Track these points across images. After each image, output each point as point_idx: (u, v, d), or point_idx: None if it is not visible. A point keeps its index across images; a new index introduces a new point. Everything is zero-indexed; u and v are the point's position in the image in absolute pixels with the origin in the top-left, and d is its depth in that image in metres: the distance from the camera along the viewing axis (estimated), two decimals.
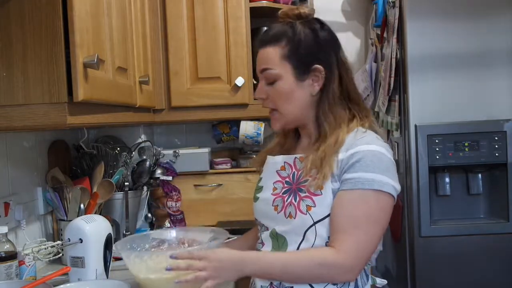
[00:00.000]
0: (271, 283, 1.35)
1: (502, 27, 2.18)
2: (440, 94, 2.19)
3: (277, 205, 1.36)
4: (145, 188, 2.34)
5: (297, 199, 1.31)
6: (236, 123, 2.52)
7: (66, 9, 1.22)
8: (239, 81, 2.31)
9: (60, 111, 1.23)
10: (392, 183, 1.27)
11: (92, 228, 1.51)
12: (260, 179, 1.47)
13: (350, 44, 2.85)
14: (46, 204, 1.93)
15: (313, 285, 1.30)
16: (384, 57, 2.43)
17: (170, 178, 2.33)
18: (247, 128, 2.47)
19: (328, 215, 1.28)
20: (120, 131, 2.43)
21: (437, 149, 2.18)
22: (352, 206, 1.26)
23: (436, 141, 2.18)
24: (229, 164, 2.53)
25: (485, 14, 2.19)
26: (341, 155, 1.29)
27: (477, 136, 2.17)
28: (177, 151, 2.46)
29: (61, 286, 1.39)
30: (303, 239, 1.31)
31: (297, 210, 1.31)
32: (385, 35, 2.43)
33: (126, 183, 2.15)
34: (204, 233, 1.67)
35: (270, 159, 1.46)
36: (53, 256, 1.49)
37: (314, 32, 1.36)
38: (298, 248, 1.31)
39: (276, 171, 1.41)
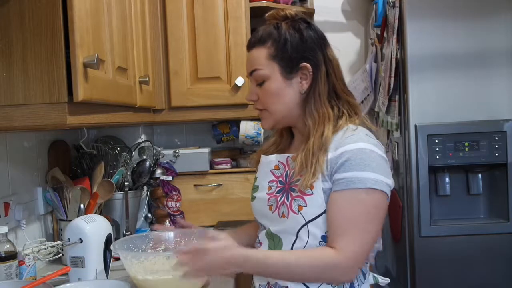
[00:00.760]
0: (268, 283, 1.36)
1: (502, 27, 2.18)
2: (440, 94, 2.20)
3: (272, 205, 1.37)
4: (145, 188, 2.34)
5: (289, 198, 1.32)
6: (236, 123, 2.52)
7: (66, 9, 1.22)
8: (239, 81, 2.31)
9: (60, 111, 1.23)
10: (384, 180, 1.26)
11: (92, 228, 1.51)
12: (256, 178, 1.48)
13: (350, 44, 2.85)
14: (46, 204, 1.93)
15: (308, 284, 1.30)
16: (384, 57, 2.43)
17: (170, 178, 2.33)
18: (247, 128, 2.47)
19: (320, 215, 1.29)
20: (120, 131, 2.43)
21: (437, 149, 2.18)
22: (347, 206, 1.25)
23: (436, 141, 2.18)
24: (229, 164, 2.53)
25: (485, 14, 2.19)
26: (330, 154, 1.29)
27: (477, 136, 2.17)
28: (177, 151, 2.46)
29: (61, 286, 1.40)
30: (296, 238, 1.31)
31: (289, 209, 1.31)
32: (385, 35, 2.43)
33: (126, 183, 2.15)
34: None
35: (264, 158, 1.46)
36: (53, 256, 1.49)
37: (299, 31, 1.37)
38: (292, 248, 1.32)
39: (270, 170, 1.41)
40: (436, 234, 2.19)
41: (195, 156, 2.47)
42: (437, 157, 2.18)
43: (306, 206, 1.29)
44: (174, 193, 2.33)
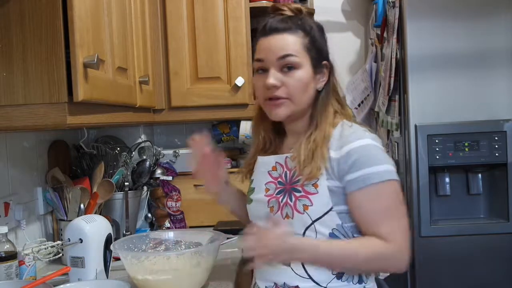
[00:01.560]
0: (275, 284, 1.36)
1: (502, 27, 2.18)
2: (440, 94, 2.20)
3: (273, 206, 1.37)
4: (145, 188, 2.34)
5: (293, 199, 1.32)
6: (236, 123, 2.52)
7: (66, 9, 1.22)
8: (239, 81, 2.31)
9: (60, 111, 1.23)
10: (393, 169, 1.31)
11: (92, 228, 1.51)
12: (252, 180, 1.48)
13: (350, 44, 2.85)
14: (46, 204, 1.93)
15: (318, 282, 1.31)
16: (384, 57, 2.43)
17: (170, 178, 2.33)
18: (247, 128, 2.47)
19: (326, 213, 1.29)
20: (120, 131, 2.43)
21: (437, 149, 2.18)
22: (375, 201, 1.29)
23: (436, 141, 2.18)
24: (229, 164, 2.53)
25: (485, 14, 2.19)
26: (334, 153, 1.30)
27: (477, 136, 2.17)
28: (177, 151, 2.45)
29: (61, 286, 1.39)
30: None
31: (294, 210, 1.31)
32: (385, 35, 2.43)
33: (126, 183, 2.15)
34: (203, 235, 1.68)
35: (260, 159, 1.45)
36: (53, 256, 1.49)
37: (321, 29, 1.40)
38: None
39: (268, 171, 1.41)
40: (436, 234, 2.19)
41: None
42: (437, 157, 2.18)
43: (312, 205, 1.30)
44: (174, 193, 2.33)
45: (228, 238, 2.12)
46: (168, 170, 2.36)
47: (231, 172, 2.49)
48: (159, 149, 2.42)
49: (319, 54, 1.37)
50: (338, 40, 2.71)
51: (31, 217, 1.86)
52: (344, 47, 2.81)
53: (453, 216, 2.25)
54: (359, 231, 1.33)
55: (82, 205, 1.86)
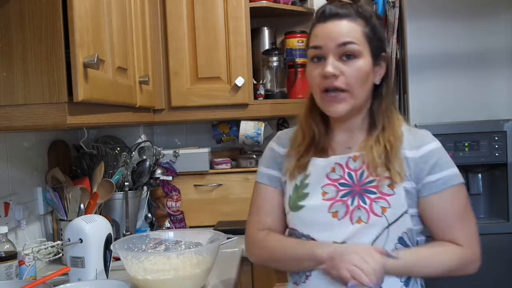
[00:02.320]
0: None
1: (502, 27, 2.18)
2: (440, 94, 2.19)
3: (337, 211, 1.26)
4: (145, 188, 2.34)
5: (367, 201, 1.24)
6: (236, 123, 2.52)
7: (66, 9, 1.22)
8: (239, 81, 2.31)
9: (60, 111, 1.23)
10: None
11: (92, 228, 1.51)
12: (306, 185, 1.32)
13: None
14: (46, 204, 1.93)
15: None
16: None
17: (170, 178, 2.33)
18: (247, 128, 2.47)
19: (401, 216, 1.24)
20: (120, 131, 2.43)
21: None
22: (454, 204, 1.28)
23: None
24: (229, 164, 2.53)
25: (485, 14, 2.19)
26: (411, 153, 1.27)
27: (477, 136, 2.17)
28: (177, 151, 2.45)
29: (61, 286, 1.39)
30: (372, 245, 1.24)
31: (371, 213, 1.23)
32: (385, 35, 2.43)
33: (126, 183, 2.15)
34: (203, 235, 1.68)
35: (319, 161, 1.32)
36: (53, 256, 1.49)
37: (380, 19, 1.34)
38: None
39: (326, 174, 1.30)
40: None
41: (195, 156, 2.47)
42: None
43: (390, 207, 1.24)
44: (174, 193, 2.33)
45: (228, 238, 2.12)
46: (168, 170, 2.36)
47: (230, 173, 2.51)
48: (159, 149, 2.42)
49: (379, 45, 1.29)
50: None
51: (31, 217, 1.86)
52: None
53: None
54: (422, 234, 1.31)
55: (82, 205, 1.86)
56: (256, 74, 2.50)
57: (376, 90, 1.33)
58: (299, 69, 2.54)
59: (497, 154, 2.16)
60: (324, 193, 1.29)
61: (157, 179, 2.31)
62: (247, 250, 1.44)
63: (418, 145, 1.28)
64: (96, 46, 1.36)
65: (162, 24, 2.33)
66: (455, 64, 2.19)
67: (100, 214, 1.94)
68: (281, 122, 2.69)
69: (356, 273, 1.16)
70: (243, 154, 2.61)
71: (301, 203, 1.31)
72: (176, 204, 2.33)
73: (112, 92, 1.52)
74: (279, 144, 1.43)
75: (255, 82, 2.45)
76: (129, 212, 2.15)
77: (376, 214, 1.24)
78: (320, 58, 1.27)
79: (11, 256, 1.50)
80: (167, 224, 2.33)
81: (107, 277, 1.57)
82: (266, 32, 2.58)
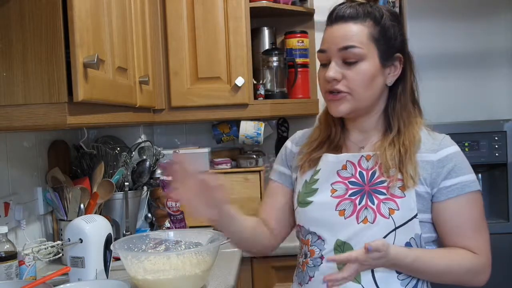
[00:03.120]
0: None
1: (502, 27, 2.18)
2: (440, 94, 2.19)
3: (344, 209, 1.25)
4: (145, 188, 2.34)
5: (375, 201, 1.23)
6: (236, 123, 2.52)
7: (66, 9, 1.22)
8: (239, 81, 2.30)
9: (60, 111, 1.23)
10: None
11: (92, 228, 1.51)
12: (316, 180, 1.31)
13: None
14: (46, 204, 1.93)
15: None
16: None
17: (170, 178, 2.33)
18: (247, 128, 2.47)
19: (410, 220, 1.22)
20: (120, 131, 2.43)
21: None
22: (470, 210, 1.26)
23: None
24: (229, 164, 2.53)
25: (484, 14, 2.19)
26: (428, 156, 1.25)
27: (477, 136, 2.17)
28: (177, 151, 2.45)
29: (61, 286, 1.39)
30: None
31: (378, 213, 1.22)
32: None
33: (126, 183, 2.15)
34: (203, 235, 1.68)
35: (331, 157, 1.31)
36: (53, 256, 1.49)
37: (395, 18, 1.30)
38: None
39: (337, 171, 1.29)
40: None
41: (195, 156, 2.46)
42: None
43: (398, 209, 1.21)
44: None
45: (228, 238, 2.11)
46: None
47: (230, 173, 2.51)
48: (159, 149, 2.42)
49: (389, 46, 1.27)
50: None
51: (31, 217, 1.86)
52: None
53: None
54: (434, 244, 1.29)
55: (82, 205, 1.86)
56: (256, 74, 2.49)
57: (392, 91, 1.32)
58: (299, 69, 2.54)
59: (497, 154, 2.17)
60: (333, 190, 1.28)
61: (157, 179, 2.31)
62: None
63: (436, 148, 1.27)
64: (96, 46, 1.36)
65: (162, 24, 2.33)
66: (455, 64, 2.19)
67: (100, 214, 1.94)
68: (281, 122, 2.69)
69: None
70: (243, 154, 2.61)
71: (309, 198, 1.30)
72: (176, 204, 2.33)
73: (112, 92, 1.52)
74: (294, 142, 1.44)
75: (255, 82, 2.45)
76: (129, 212, 2.15)
77: (383, 215, 1.22)
78: (327, 62, 1.28)
79: (11, 256, 1.50)
80: (167, 224, 2.33)
81: (107, 277, 1.57)
82: (266, 32, 2.58)
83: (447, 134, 1.35)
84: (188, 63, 2.33)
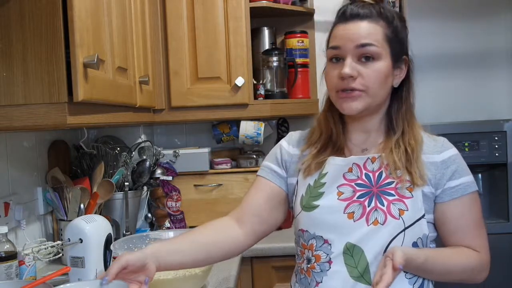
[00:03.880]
0: None
1: (502, 27, 2.18)
2: (440, 94, 2.20)
3: (353, 212, 1.24)
4: (145, 188, 2.34)
5: (385, 203, 1.23)
6: (236, 123, 2.52)
7: (66, 9, 1.22)
8: (239, 81, 2.31)
9: (60, 111, 1.23)
10: None
11: (92, 228, 1.51)
12: (322, 184, 1.29)
13: None
14: (46, 204, 1.93)
15: None
16: None
17: (170, 178, 2.33)
18: (247, 128, 2.47)
19: (418, 220, 1.23)
20: (120, 131, 2.43)
21: None
22: (472, 209, 1.29)
23: None
24: (229, 164, 2.53)
25: (484, 14, 2.19)
26: (432, 158, 1.27)
27: (477, 136, 2.17)
28: (177, 151, 2.45)
29: (61, 286, 1.39)
30: (386, 249, 1.21)
31: (388, 214, 1.22)
32: None
33: (126, 183, 2.15)
34: None
35: (338, 160, 1.30)
36: (53, 256, 1.49)
37: (403, 21, 1.32)
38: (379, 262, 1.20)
39: (343, 174, 1.28)
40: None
41: (195, 156, 2.46)
42: None
43: (407, 210, 1.22)
44: (174, 193, 2.33)
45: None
46: (168, 170, 2.36)
47: (230, 173, 2.51)
48: (159, 149, 2.42)
49: (400, 47, 1.28)
50: None
51: (31, 217, 1.86)
52: None
53: None
54: (434, 242, 1.31)
55: (82, 205, 1.86)
56: (256, 74, 2.50)
57: (395, 93, 1.32)
58: (299, 69, 2.54)
59: (497, 154, 2.17)
60: (340, 193, 1.26)
61: (157, 179, 2.31)
62: None
63: (439, 150, 1.28)
64: (96, 46, 1.36)
65: (162, 24, 2.33)
66: (455, 64, 2.20)
67: (100, 214, 1.94)
68: (281, 122, 2.69)
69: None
70: (243, 154, 2.61)
71: (315, 202, 1.28)
72: (176, 204, 2.33)
73: (112, 92, 1.52)
74: (290, 144, 1.41)
75: (255, 82, 2.45)
76: (129, 212, 2.15)
77: (393, 216, 1.22)
78: (339, 59, 1.26)
79: (11, 256, 1.50)
80: (167, 224, 2.33)
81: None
82: (266, 32, 2.58)
83: (445, 135, 1.35)
84: (188, 63, 2.34)
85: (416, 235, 1.24)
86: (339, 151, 1.33)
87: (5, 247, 1.50)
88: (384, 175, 1.26)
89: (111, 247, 1.54)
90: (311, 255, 1.29)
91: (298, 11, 2.59)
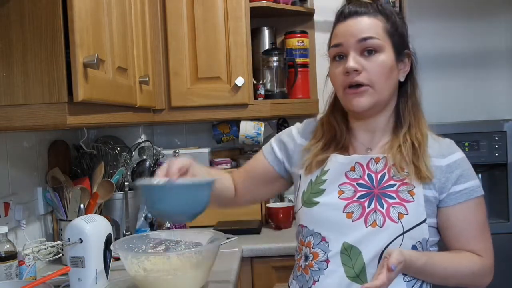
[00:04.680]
0: None
1: (502, 27, 2.18)
2: (440, 94, 2.20)
3: (352, 212, 1.24)
4: None
5: (385, 205, 1.22)
6: (236, 123, 2.52)
7: (66, 9, 1.22)
8: (239, 81, 2.30)
9: (60, 111, 1.23)
10: None
11: (92, 228, 1.51)
12: (323, 181, 1.29)
13: None
14: (46, 204, 1.93)
15: None
16: None
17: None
18: (247, 128, 2.47)
19: (418, 225, 1.22)
20: (120, 131, 2.43)
21: None
22: (477, 214, 1.28)
23: None
24: (229, 164, 2.53)
25: (485, 14, 2.19)
26: (437, 161, 1.25)
27: (477, 136, 2.17)
28: (177, 151, 2.45)
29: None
30: (382, 253, 1.21)
31: (387, 217, 1.21)
32: None
33: (126, 183, 2.15)
34: (203, 235, 1.68)
35: (340, 158, 1.30)
36: (53, 256, 1.49)
37: (401, 17, 1.33)
38: (377, 264, 1.21)
39: (345, 172, 1.28)
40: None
41: (195, 156, 2.45)
42: None
43: (407, 214, 1.21)
44: None
45: (228, 238, 2.12)
46: None
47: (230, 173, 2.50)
48: (159, 149, 2.42)
49: (401, 40, 1.29)
50: None
51: (31, 217, 1.86)
52: None
53: None
54: (436, 246, 1.30)
55: (82, 205, 1.86)
56: (256, 74, 2.49)
57: (401, 88, 1.32)
58: (299, 69, 2.54)
59: (497, 154, 2.17)
60: (341, 192, 1.26)
61: None
62: None
63: (444, 154, 1.27)
64: (96, 46, 1.36)
65: (162, 24, 2.33)
66: (455, 64, 2.19)
67: (100, 214, 1.94)
68: (281, 122, 2.69)
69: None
70: (243, 154, 2.61)
71: (316, 199, 1.28)
72: None
73: (112, 92, 1.52)
74: (299, 133, 1.43)
75: (255, 82, 2.45)
76: (129, 212, 2.15)
77: (392, 219, 1.21)
78: (342, 56, 1.27)
79: (11, 256, 1.50)
80: (167, 224, 2.33)
81: (107, 277, 1.57)
82: (266, 32, 2.59)
83: (445, 135, 1.35)
84: (188, 63, 2.33)
85: (415, 239, 1.23)
86: (343, 149, 1.33)
87: (5, 247, 1.50)
88: (387, 176, 1.25)
89: (111, 247, 1.54)
90: (308, 252, 1.30)
91: (298, 11, 2.59)
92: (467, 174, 1.27)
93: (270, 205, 2.46)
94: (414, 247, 1.23)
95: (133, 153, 2.32)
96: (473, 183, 1.27)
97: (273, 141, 1.47)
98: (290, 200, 2.56)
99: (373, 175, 1.27)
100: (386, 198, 1.23)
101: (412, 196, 1.22)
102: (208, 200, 1.21)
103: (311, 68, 2.63)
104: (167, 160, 1.24)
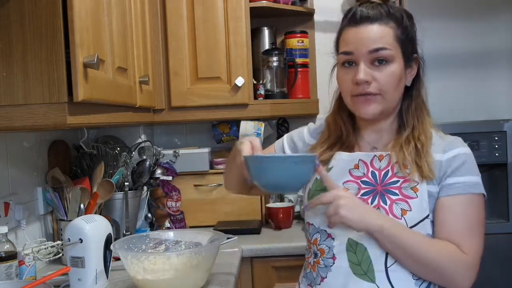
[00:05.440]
0: None
1: (502, 27, 2.18)
2: (440, 94, 2.19)
3: None
4: (145, 188, 2.34)
5: (388, 202, 1.23)
6: (236, 123, 2.52)
7: (66, 9, 1.22)
8: (239, 81, 2.31)
9: (60, 111, 1.23)
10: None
11: (92, 228, 1.51)
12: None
13: None
14: (46, 204, 1.93)
15: None
16: None
17: (170, 178, 2.33)
18: (247, 128, 2.47)
19: (421, 221, 1.22)
20: (120, 131, 2.43)
21: None
22: (466, 211, 1.23)
23: None
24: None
25: (485, 14, 2.19)
26: (438, 156, 1.25)
27: (477, 136, 2.17)
28: (177, 151, 2.45)
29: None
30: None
31: (390, 214, 1.21)
32: None
33: (126, 183, 2.15)
34: (203, 235, 1.68)
35: (343, 155, 1.31)
36: (53, 256, 1.49)
37: (411, 18, 1.31)
38: (385, 261, 1.21)
39: (349, 170, 1.29)
40: None
41: (195, 156, 2.47)
42: None
43: (410, 210, 1.21)
44: (174, 193, 2.33)
45: (228, 238, 2.12)
46: (168, 170, 2.36)
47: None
48: (159, 149, 2.42)
49: (411, 47, 1.29)
50: None
51: (31, 217, 1.86)
52: None
53: None
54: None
55: (82, 205, 1.86)
56: (256, 74, 2.50)
57: (407, 91, 1.32)
58: (299, 69, 2.54)
59: (497, 154, 2.17)
60: (345, 189, 1.26)
61: (157, 179, 2.31)
62: None
63: (446, 149, 1.27)
64: (96, 46, 1.36)
65: (162, 24, 2.33)
66: (455, 64, 2.19)
67: (100, 214, 1.94)
68: (281, 122, 2.69)
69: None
70: None
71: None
72: (176, 204, 2.33)
73: (112, 92, 1.52)
74: (309, 133, 1.45)
75: (255, 82, 2.45)
76: (129, 212, 2.15)
77: (395, 216, 1.21)
78: (351, 63, 1.27)
79: (11, 256, 1.50)
80: (167, 224, 2.33)
81: (107, 277, 1.57)
82: (266, 32, 2.59)
83: (459, 137, 1.34)
84: (188, 63, 2.34)
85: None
86: (349, 148, 1.34)
87: (5, 247, 1.50)
88: (390, 173, 1.26)
89: (111, 247, 1.54)
90: (316, 249, 1.30)
91: (298, 11, 2.59)
92: (464, 168, 1.25)
93: (270, 205, 2.47)
94: None
95: (133, 153, 2.32)
96: (470, 178, 1.24)
97: (285, 138, 1.49)
98: (290, 200, 2.56)
99: (376, 172, 1.27)
100: (389, 195, 1.24)
101: (415, 192, 1.22)
102: (312, 174, 1.20)
103: (311, 68, 2.63)
104: (245, 138, 1.25)
